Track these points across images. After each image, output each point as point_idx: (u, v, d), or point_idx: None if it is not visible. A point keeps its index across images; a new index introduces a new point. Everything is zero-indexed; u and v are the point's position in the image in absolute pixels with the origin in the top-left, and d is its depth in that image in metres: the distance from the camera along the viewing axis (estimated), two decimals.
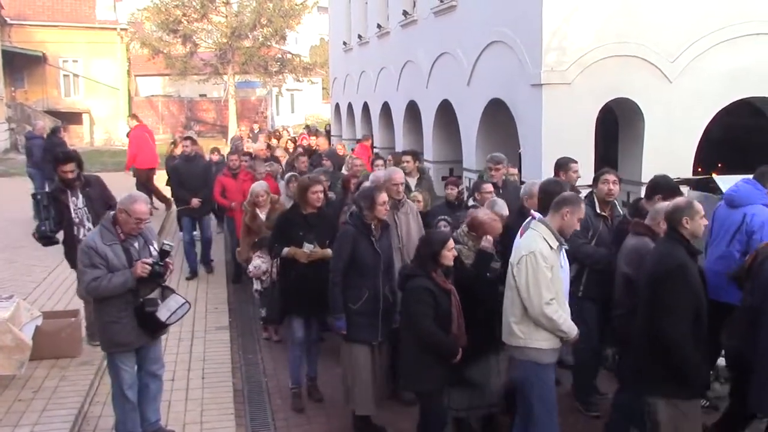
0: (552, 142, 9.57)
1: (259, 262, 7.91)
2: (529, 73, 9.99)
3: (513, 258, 4.87)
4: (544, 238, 4.80)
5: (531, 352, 4.82)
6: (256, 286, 8.19)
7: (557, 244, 4.83)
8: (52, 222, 6.91)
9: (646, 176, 9.80)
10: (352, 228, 5.73)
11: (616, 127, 10.73)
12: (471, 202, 7.27)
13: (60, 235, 7.11)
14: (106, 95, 36.31)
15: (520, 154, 10.71)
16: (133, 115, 16.48)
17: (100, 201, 7.06)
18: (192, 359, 7.51)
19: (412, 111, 16.18)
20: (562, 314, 4.79)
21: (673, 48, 9.84)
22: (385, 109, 18.54)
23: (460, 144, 13.12)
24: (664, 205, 5.25)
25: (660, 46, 9.81)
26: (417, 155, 9.78)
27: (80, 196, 7.01)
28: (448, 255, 5.11)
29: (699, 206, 4.72)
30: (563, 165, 7.44)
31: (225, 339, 8.20)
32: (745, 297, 5.18)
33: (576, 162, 7.48)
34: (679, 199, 4.96)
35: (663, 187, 5.97)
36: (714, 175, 9.32)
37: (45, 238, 6.96)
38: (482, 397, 5.64)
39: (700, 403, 5.03)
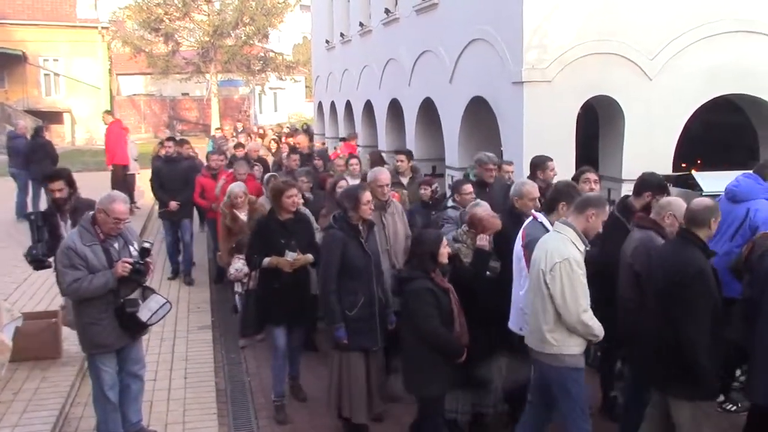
0: (533, 139, 9.60)
1: (240, 265, 7.70)
2: (510, 71, 10.03)
3: (544, 265, 4.65)
4: (573, 242, 4.66)
5: (566, 359, 4.69)
6: (237, 288, 8.05)
7: (583, 247, 4.69)
8: (44, 245, 6.39)
9: (627, 173, 9.89)
10: (339, 232, 5.53)
11: (597, 124, 10.79)
12: (450, 203, 7.15)
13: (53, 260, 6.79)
14: (88, 94, 36.09)
15: (501, 151, 10.74)
16: (107, 112, 16.36)
17: None
18: (174, 359, 7.49)
19: (395, 109, 16.19)
20: (596, 320, 4.68)
21: (652, 45, 9.90)
22: (368, 107, 18.54)
23: (443, 142, 13.14)
24: (673, 200, 5.20)
25: (640, 44, 9.87)
26: (411, 155, 9.60)
27: (68, 221, 6.48)
28: (445, 253, 5.05)
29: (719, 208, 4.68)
30: (540, 164, 7.40)
31: (207, 338, 8.17)
32: (744, 289, 5.21)
33: (552, 160, 7.46)
34: (705, 200, 4.78)
35: (652, 184, 5.96)
36: (693, 172, 9.42)
37: (36, 262, 6.47)
38: (486, 397, 5.63)
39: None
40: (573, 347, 4.69)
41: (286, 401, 6.40)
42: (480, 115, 11.63)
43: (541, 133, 9.60)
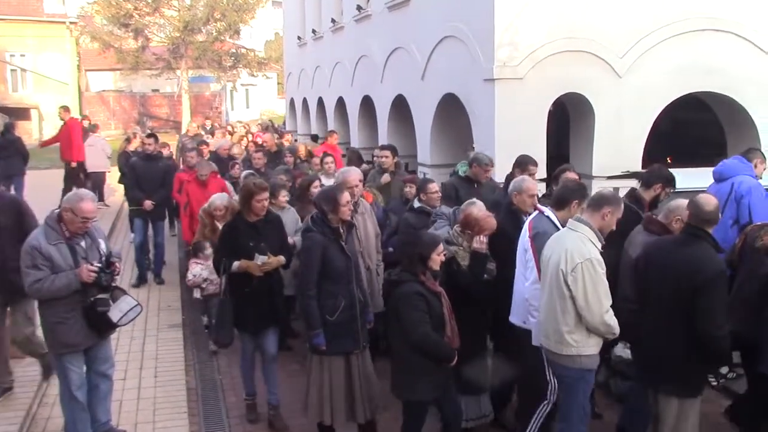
0: (505, 136, 9.66)
1: (198, 270, 7.59)
2: (482, 68, 10.06)
3: (564, 265, 4.56)
4: (591, 241, 4.58)
5: (582, 360, 4.64)
6: (196, 294, 7.90)
7: (600, 245, 4.61)
8: None
9: (597, 170, 9.99)
10: (318, 235, 5.29)
11: (568, 121, 10.87)
12: (417, 204, 7.06)
13: None
14: (56, 90, 35.42)
15: (474, 148, 10.77)
16: (64, 108, 16.11)
17: (10, 232, 5.83)
18: (144, 358, 7.43)
19: (367, 106, 16.18)
20: (615, 318, 4.61)
21: (622, 43, 9.99)
22: (340, 104, 18.51)
23: (415, 139, 13.15)
24: (682, 203, 5.16)
25: (609, 42, 9.95)
26: (395, 150, 9.47)
27: None
28: (437, 259, 4.93)
29: None
30: (522, 163, 7.30)
31: (178, 337, 8.11)
32: (739, 280, 5.27)
33: (536, 165, 7.38)
34: (712, 198, 4.79)
35: (662, 176, 6.04)
36: None
37: None
38: (483, 404, 5.61)
39: None
40: (591, 347, 4.65)
41: (258, 400, 6.34)
42: (452, 112, 11.65)
43: (513, 130, 9.64)
